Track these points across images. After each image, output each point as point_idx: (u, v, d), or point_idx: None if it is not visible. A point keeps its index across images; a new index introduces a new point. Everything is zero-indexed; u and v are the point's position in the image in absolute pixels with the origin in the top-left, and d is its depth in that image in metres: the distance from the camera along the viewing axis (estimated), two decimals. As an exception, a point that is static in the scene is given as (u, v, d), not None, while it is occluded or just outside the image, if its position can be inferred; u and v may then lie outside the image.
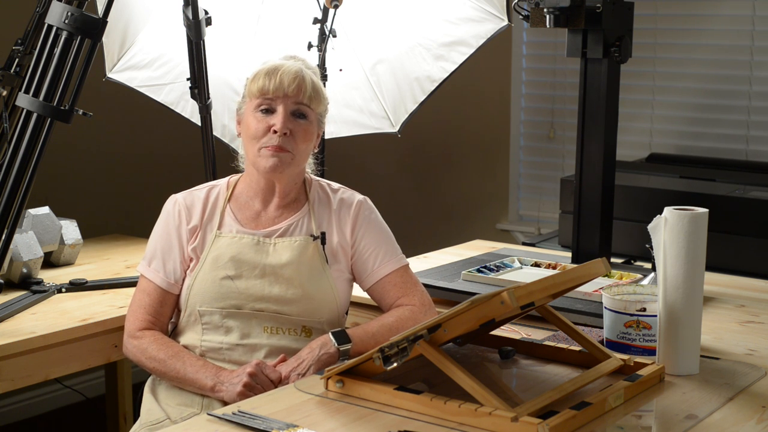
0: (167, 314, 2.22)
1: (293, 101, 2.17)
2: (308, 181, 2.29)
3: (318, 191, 2.28)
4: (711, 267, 2.09)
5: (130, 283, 2.70)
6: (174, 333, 2.24)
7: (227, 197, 2.25)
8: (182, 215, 2.23)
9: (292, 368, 2.07)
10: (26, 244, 2.70)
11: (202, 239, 2.21)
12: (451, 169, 4.77)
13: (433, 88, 3.21)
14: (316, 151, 2.29)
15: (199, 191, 2.27)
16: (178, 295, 2.22)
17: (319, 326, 2.19)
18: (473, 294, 2.02)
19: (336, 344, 2.09)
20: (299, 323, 2.17)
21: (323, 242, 2.21)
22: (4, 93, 2.65)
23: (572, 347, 2.02)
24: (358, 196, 2.29)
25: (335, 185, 2.31)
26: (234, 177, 2.30)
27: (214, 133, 3.05)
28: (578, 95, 2.72)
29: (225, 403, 2.03)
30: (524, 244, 3.57)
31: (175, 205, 2.25)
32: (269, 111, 2.17)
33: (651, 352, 2.00)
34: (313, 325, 2.18)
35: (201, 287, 2.17)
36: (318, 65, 2.99)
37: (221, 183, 2.29)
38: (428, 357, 1.74)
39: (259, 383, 2.02)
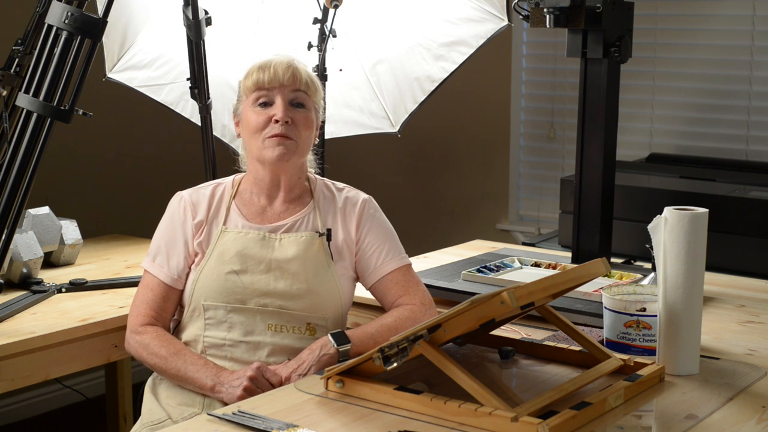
0: (170, 310, 2.23)
1: (290, 89, 2.18)
2: (312, 180, 2.29)
3: (323, 189, 2.29)
4: (711, 267, 2.09)
5: (131, 283, 2.70)
6: (177, 330, 2.24)
7: (232, 194, 2.26)
8: (188, 211, 2.24)
9: (292, 370, 2.07)
10: (26, 244, 2.70)
11: (208, 234, 2.21)
12: (451, 169, 4.77)
13: (433, 88, 3.21)
14: (316, 143, 2.29)
15: (205, 188, 2.28)
16: (182, 292, 2.22)
17: (323, 323, 2.19)
18: (473, 294, 2.02)
19: (335, 345, 2.09)
20: (303, 320, 2.17)
21: (329, 239, 2.22)
22: (4, 93, 2.65)
23: (572, 347, 2.02)
24: (363, 195, 2.30)
25: (340, 184, 2.32)
26: (238, 176, 2.31)
27: (214, 133, 3.05)
28: (578, 95, 2.72)
29: (226, 404, 2.03)
30: (524, 244, 3.57)
31: (180, 201, 2.26)
32: (267, 104, 2.18)
33: (651, 352, 2.00)
34: (317, 322, 2.18)
35: (206, 281, 2.17)
36: (318, 65, 2.99)
37: (226, 181, 2.30)
38: (428, 357, 1.74)
39: (259, 387, 2.02)
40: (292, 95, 2.19)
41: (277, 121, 2.16)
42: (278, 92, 2.18)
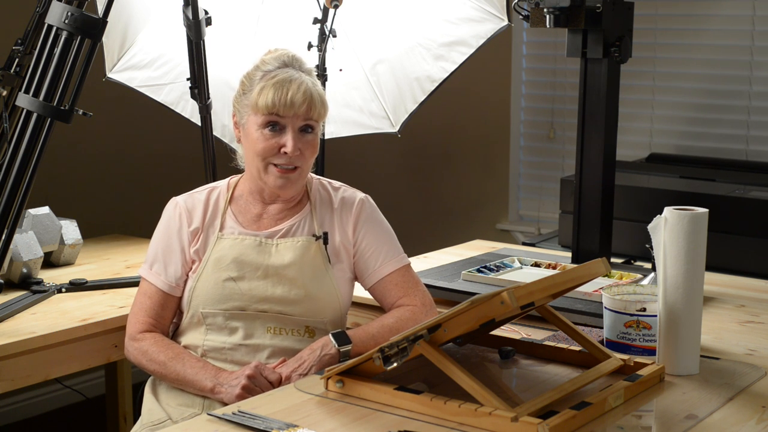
0: (168, 317, 2.22)
1: (302, 119, 2.15)
2: (308, 180, 2.28)
3: (319, 190, 2.28)
4: (711, 267, 2.09)
5: (130, 283, 2.70)
6: (176, 333, 2.24)
7: (228, 199, 2.25)
8: (183, 218, 2.23)
9: (292, 369, 2.07)
10: (26, 244, 2.70)
11: (204, 241, 2.21)
12: (451, 169, 4.77)
13: (433, 88, 3.21)
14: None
15: (200, 193, 2.27)
16: (180, 298, 2.21)
17: (323, 326, 2.18)
18: (473, 294, 2.02)
19: (336, 345, 2.09)
20: (302, 323, 2.17)
21: (325, 242, 2.21)
22: (4, 93, 2.65)
23: (572, 347, 2.02)
24: (360, 195, 2.29)
25: (336, 183, 2.31)
26: (234, 178, 2.30)
27: (214, 133, 3.05)
28: (578, 95, 2.72)
29: (225, 404, 2.03)
30: (524, 244, 3.57)
31: (176, 208, 2.25)
32: (276, 126, 2.14)
33: (651, 352, 2.00)
34: (317, 325, 2.18)
35: (203, 289, 2.17)
36: (318, 65, 2.99)
37: (221, 185, 2.29)
38: (428, 357, 1.74)
39: (258, 385, 2.02)
40: (303, 123, 2.15)
41: (286, 153, 2.14)
42: (290, 121, 2.13)
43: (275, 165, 2.15)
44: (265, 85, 2.14)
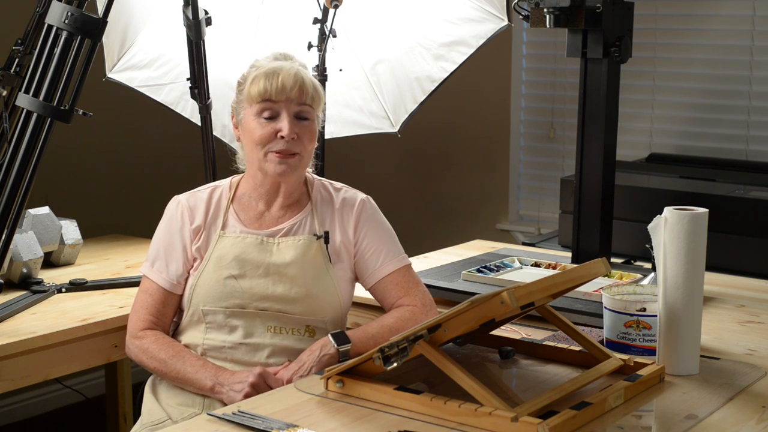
0: (169, 315, 2.23)
1: (296, 103, 2.16)
2: (310, 180, 2.29)
3: (320, 190, 2.28)
4: (711, 267, 2.09)
5: (130, 283, 2.70)
6: (176, 332, 2.24)
7: (230, 198, 2.25)
8: (185, 216, 2.23)
9: (293, 372, 2.07)
10: (26, 244, 2.70)
11: (206, 239, 2.21)
12: (451, 169, 4.77)
13: (433, 88, 3.21)
14: (316, 146, 2.29)
15: (202, 192, 2.27)
16: (181, 296, 2.22)
17: (323, 325, 2.19)
18: (473, 294, 2.02)
19: (335, 345, 2.09)
20: (303, 322, 2.17)
21: (326, 241, 2.21)
22: (4, 93, 2.65)
23: (572, 347, 2.02)
24: (361, 195, 2.29)
25: (337, 184, 2.31)
26: (236, 177, 2.30)
27: (214, 133, 3.05)
28: (578, 95, 2.72)
29: (226, 404, 2.03)
30: (524, 244, 3.57)
31: (178, 206, 2.25)
32: (272, 116, 2.16)
33: (651, 352, 2.00)
34: (317, 325, 2.18)
35: (204, 287, 2.17)
36: (318, 65, 2.99)
37: (224, 183, 2.29)
38: (428, 357, 1.74)
39: (260, 392, 2.01)
40: (297, 109, 2.17)
41: (282, 137, 2.15)
42: (284, 106, 2.15)
43: (275, 153, 2.16)
44: (257, 75, 2.18)
